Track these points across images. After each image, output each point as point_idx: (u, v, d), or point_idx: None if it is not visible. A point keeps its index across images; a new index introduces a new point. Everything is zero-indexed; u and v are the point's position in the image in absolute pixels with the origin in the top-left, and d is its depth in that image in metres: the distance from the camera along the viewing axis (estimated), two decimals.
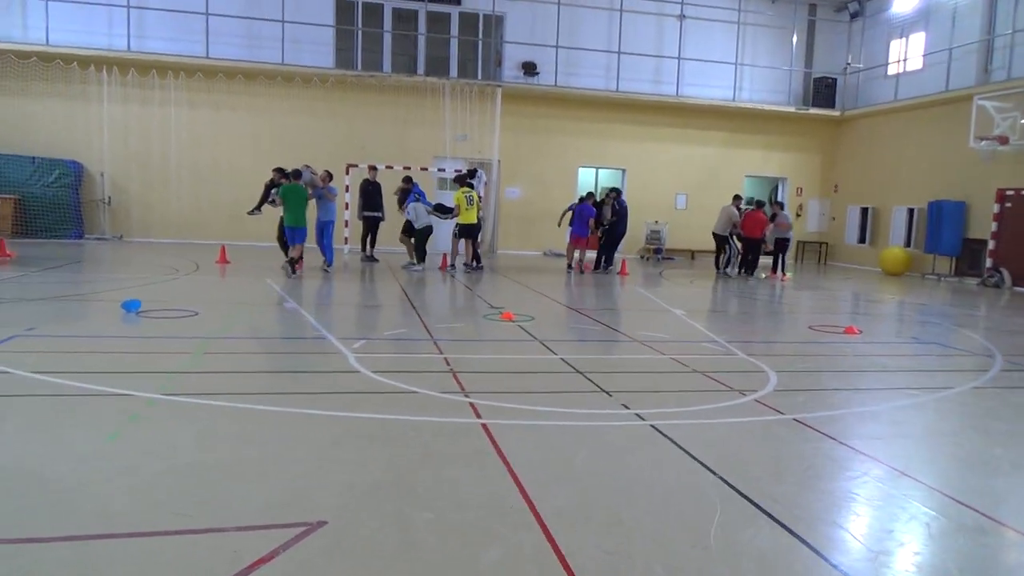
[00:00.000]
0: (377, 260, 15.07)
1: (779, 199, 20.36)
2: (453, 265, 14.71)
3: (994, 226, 16.65)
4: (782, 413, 5.09)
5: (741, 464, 4.07)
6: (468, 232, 14.54)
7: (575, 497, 3.52)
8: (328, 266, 13.38)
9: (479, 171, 17.37)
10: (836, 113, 21.63)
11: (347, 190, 17.00)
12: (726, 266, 16.26)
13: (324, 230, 13.37)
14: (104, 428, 4.21)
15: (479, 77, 19.78)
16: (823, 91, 21.64)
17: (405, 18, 19.70)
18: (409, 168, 17.07)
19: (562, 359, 6.68)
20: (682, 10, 20.50)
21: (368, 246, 15.20)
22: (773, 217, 16.43)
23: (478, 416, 4.72)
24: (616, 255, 16.87)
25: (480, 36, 19.96)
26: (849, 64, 21.51)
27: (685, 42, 20.57)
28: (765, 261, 16.92)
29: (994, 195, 16.61)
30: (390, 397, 5.18)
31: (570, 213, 16.22)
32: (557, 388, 5.73)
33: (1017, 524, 3.43)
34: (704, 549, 3.03)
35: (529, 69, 19.79)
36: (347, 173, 17.04)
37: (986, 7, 17.25)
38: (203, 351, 6.35)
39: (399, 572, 2.77)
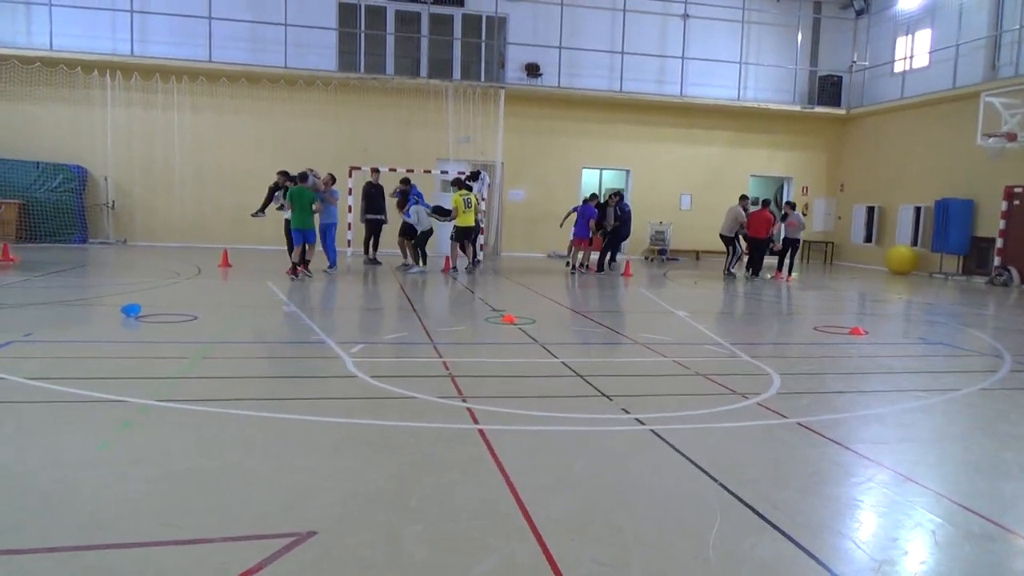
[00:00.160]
0: (380, 263, 15.02)
1: (789, 199, 20.22)
2: (455, 268, 14.66)
3: (1002, 224, 16.49)
4: (785, 417, 5.00)
5: (742, 470, 3.99)
6: (466, 235, 14.51)
7: (571, 505, 3.44)
8: (332, 268, 13.38)
9: (482, 173, 17.31)
10: (842, 111, 21.50)
11: (350, 193, 16.97)
12: (731, 266, 16.11)
13: (326, 232, 13.39)
14: (97, 435, 4.16)
15: (482, 79, 19.74)
16: (828, 89, 21.51)
17: (408, 20, 19.68)
18: (412, 171, 17.04)
19: (563, 362, 6.61)
20: (686, 9, 20.41)
21: (371, 249, 15.17)
22: (784, 217, 16.25)
23: (475, 421, 4.65)
24: (620, 256, 16.78)
25: (483, 38, 19.92)
26: (855, 62, 21.39)
27: (689, 41, 20.48)
28: (771, 261, 16.77)
29: (1002, 192, 16.45)
30: (387, 403, 5.12)
31: (573, 214, 16.18)
32: (557, 392, 5.65)
33: None
34: (704, 561, 2.95)
35: (532, 70, 19.74)
36: (350, 176, 17.02)
37: (993, 2, 17.10)
38: (201, 356, 6.30)
39: None
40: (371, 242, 15.17)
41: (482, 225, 16.95)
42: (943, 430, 5.09)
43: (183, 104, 18.08)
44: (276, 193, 13.40)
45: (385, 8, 19.32)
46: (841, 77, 21.58)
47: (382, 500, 3.42)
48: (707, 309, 11.38)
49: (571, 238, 16.71)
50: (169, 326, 7.64)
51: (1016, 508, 3.66)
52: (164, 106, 17.99)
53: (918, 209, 19.01)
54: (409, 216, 14.13)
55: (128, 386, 5.28)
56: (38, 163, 17.17)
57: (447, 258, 15.03)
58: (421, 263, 14.24)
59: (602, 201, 16.64)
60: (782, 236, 16.25)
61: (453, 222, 14.42)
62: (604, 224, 16.18)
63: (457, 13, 19.69)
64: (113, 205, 17.96)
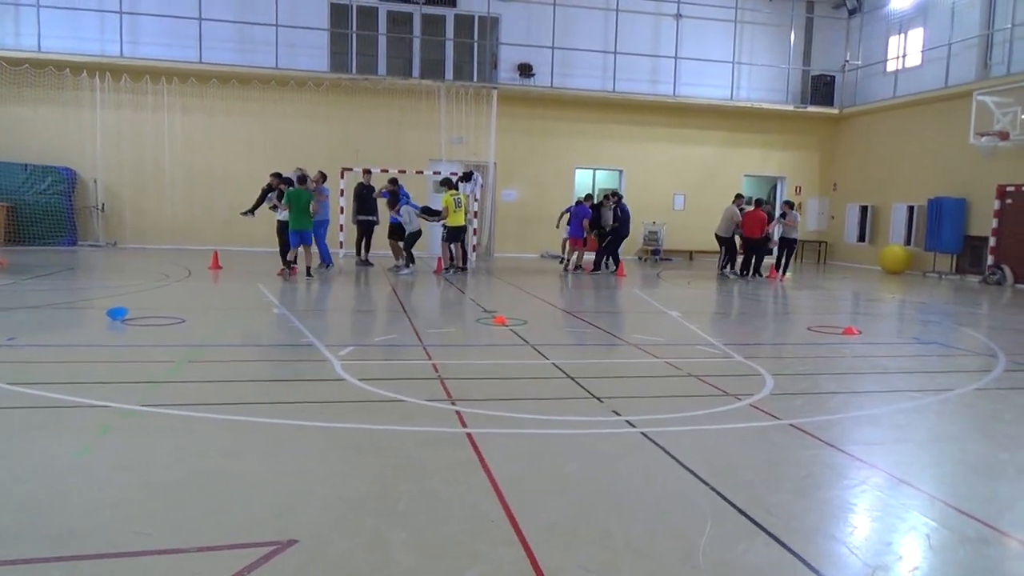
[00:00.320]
0: (372, 264, 14.94)
1: (787, 198, 20.07)
2: (448, 268, 14.60)
3: (995, 223, 16.49)
4: (778, 418, 4.94)
5: (734, 473, 3.93)
6: (456, 235, 14.45)
7: (560, 510, 3.38)
8: (327, 266, 13.36)
9: (475, 174, 17.24)
10: (835, 111, 21.49)
11: (341, 194, 16.87)
12: (724, 267, 16.04)
13: (317, 231, 13.30)
14: (78, 441, 4.07)
15: (475, 79, 19.67)
16: (821, 89, 21.50)
17: (400, 21, 19.60)
18: (404, 172, 16.97)
19: (554, 364, 6.53)
20: (679, 9, 20.37)
21: (363, 250, 15.09)
22: (783, 216, 16.08)
23: (464, 425, 4.58)
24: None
25: (475, 38, 19.85)
26: (847, 61, 21.39)
27: (682, 41, 20.44)
28: (765, 260, 16.69)
29: (995, 191, 16.45)
30: (375, 406, 5.04)
31: (567, 215, 16.15)
32: (547, 394, 5.58)
33: (1022, 534, 3.27)
34: (694, 567, 2.88)
35: (525, 71, 19.68)
36: (342, 177, 16.92)
37: (985, 2, 17.10)
38: (187, 360, 6.21)
39: None
40: (363, 243, 15.10)
41: (474, 226, 16.90)
42: (938, 431, 5.03)
43: (173, 105, 17.95)
44: (269, 194, 13.36)
45: (377, 8, 19.23)
46: (834, 76, 21.58)
47: (367, 506, 3.34)
48: (700, 309, 11.32)
49: (565, 237, 16.69)
50: (156, 329, 7.54)
51: (1012, 511, 3.60)
52: (154, 108, 17.86)
53: (911, 208, 19.00)
54: (400, 216, 14.05)
55: (111, 391, 5.19)
56: (26, 165, 17.03)
57: (439, 259, 14.95)
58: (410, 264, 14.15)
59: (596, 202, 16.59)
60: (779, 235, 16.10)
61: (444, 222, 14.32)
62: (603, 224, 16.14)
63: (449, 13, 19.62)
64: (103, 207, 17.82)
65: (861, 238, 20.98)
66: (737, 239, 16.10)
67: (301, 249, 12.52)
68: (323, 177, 13.48)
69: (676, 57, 20.37)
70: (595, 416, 4.92)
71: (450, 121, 18.86)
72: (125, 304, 8.53)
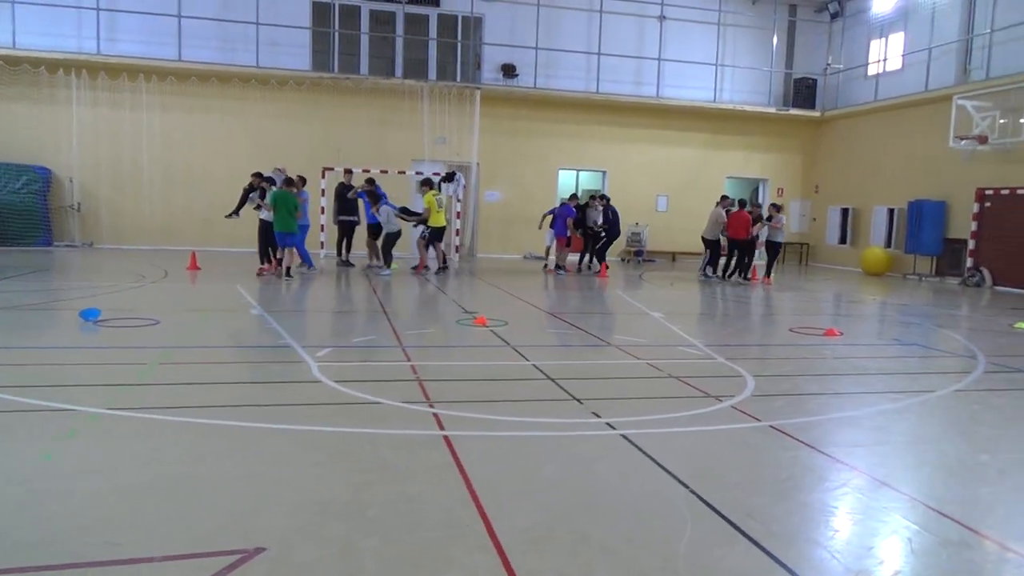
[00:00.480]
0: (353, 265, 14.80)
1: (774, 202, 20.04)
2: (428, 267, 14.50)
3: (974, 225, 16.62)
4: (759, 420, 4.89)
5: (715, 475, 3.87)
6: (439, 235, 14.35)
7: (537, 514, 3.30)
8: (308, 268, 13.25)
9: (458, 174, 17.15)
10: (816, 114, 21.60)
11: (323, 194, 16.71)
12: (705, 269, 15.98)
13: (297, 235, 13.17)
14: (42, 446, 3.94)
15: (458, 79, 19.57)
16: (803, 92, 21.60)
17: (383, 20, 19.45)
18: (386, 171, 16.84)
19: (534, 365, 6.46)
20: (662, 11, 20.39)
21: (344, 251, 14.95)
22: (770, 218, 15.97)
23: (441, 428, 4.49)
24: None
25: (459, 38, 19.75)
26: (829, 64, 21.50)
27: (665, 43, 20.45)
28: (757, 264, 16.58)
29: (974, 194, 16.58)
30: (350, 409, 4.94)
31: (551, 216, 16.09)
32: (526, 396, 5.51)
33: (1003, 536, 3.24)
34: (672, 573, 2.82)
35: (508, 71, 19.60)
36: (323, 177, 16.76)
37: (964, 7, 17.24)
38: (159, 362, 6.07)
39: None
40: (344, 244, 14.96)
41: (456, 227, 16.81)
42: (918, 432, 5.01)
43: (152, 104, 17.70)
44: (251, 195, 13.26)
45: (359, 7, 19.08)
46: (816, 79, 21.69)
47: (338, 511, 3.25)
48: (683, 311, 11.30)
49: (548, 244, 16.68)
50: (129, 331, 7.38)
51: (993, 512, 3.57)
52: (132, 106, 17.59)
53: (892, 211, 19.12)
54: (380, 216, 13.93)
55: (79, 394, 5.06)
56: (0, 164, 16.71)
57: (421, 260, 14.82)
58: (388, 265, 14.01)
59: (583, 202, 16.57)
60: (765, 238, 15.97)
61: (426, 223, 14.17)
62: (591, 226, 16.10)
63: (432, 13, 19.51)
64: (79, 207, 17.52)
65: (842, 240, 21.09)
66: (723, 240, 16.01)
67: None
68: (303, 181, 13.37)
69: (659, 59, 20.39)
70: (575, 418, 4.85)
71: (433, 121, 18.75)
72: (99, 305, 8.35)
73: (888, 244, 19.14)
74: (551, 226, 16.27)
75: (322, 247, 16.82)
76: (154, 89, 17.63)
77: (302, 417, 4.67)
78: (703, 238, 15.89)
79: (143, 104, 17.62)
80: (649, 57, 20.43)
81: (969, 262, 16.71)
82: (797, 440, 4.49)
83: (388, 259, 14.06)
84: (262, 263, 13.01)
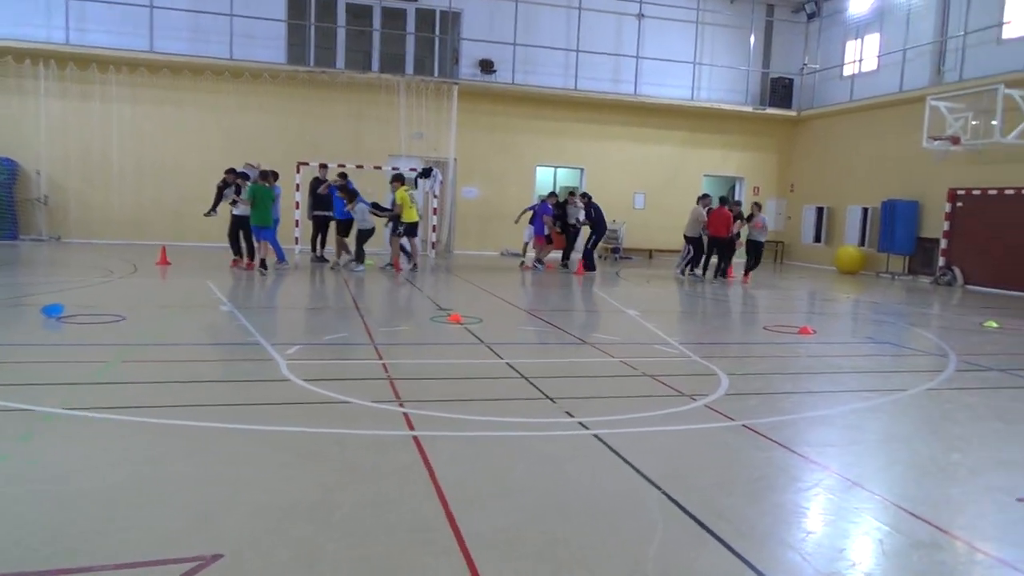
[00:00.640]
0: (327, 260, 14.62)
1: (756, 200, 20.03)
2: (412, 266, 14.37)
3: (946, 225, 16.82)
4: (732, 419, 4.86)
5: (686, 476, 3.82)
6: (414, 231, 14.21)
7: (506, 517, 3.23)
8: (281, 263, 13.08)
9: (434, 170, 17.01)
10: (792, 113, 21.74)
11: (297, 189, 16.50)
12: (683, 267, 15.96)
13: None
14: None
15: (435, 74, 19.42)
16: (780, 91, 21.72)
17: (359, 14, 19.25)
18: (362, 167, 16.67)
19: (507, 363, 6.38)
20: (641, 9, 20.38)
21: (318, 246, 14.78)
22: (750, 217, 15.88)
23: (411, 428, 4.40)
24: (574, 256, 16.62)
25: (437, 33, 19.60)
26: (806, 64, 21.65)
27: (643, 41, 20.45)
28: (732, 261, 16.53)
29: (946, 194, 16.78)
30: (318, 408, 4.83)
31: (529, 212, 16.02)
32: (499, 395, 5.43)
33: (973, 537, 3.22)
34: None
35: (486, 67, 19.48)
36: (298, 171, 16.55)
37: (939, 9, 17.42)
38: (120, 360, 5.91)
39: None
40: (318, 239, 14.78)
41: (433, 223, 16.67)
42: (890, 432, 5.01)
43: (122, 96, 17.34)
44: (226, 191, 13.09)
45: (336, 0, 18.85)
46: (792, 79, 21.83)
47: (301, 515, 3.15)
48: (658, 308, 11.28)
49: (526, 241, 16.64)
50: (93, 327, 7.20)
51: (964, 512, 3.56)
52: (102, 98, 17.23)
53: (865, 210, 19.30)
54: (353, 213, 13.76)
55: (36, 393, 4.90)
56: None
57: (397, 257, 14.66)
58: (360, 261, 13.86)
59: (561, 200, 16.51)
60: (746, 237, 15.86)
61: (399, 219, 13.99)
62: (573, 223, 16.03)
63: (410, 7, 19.32)
64: (46, 200, 17.14)
65: (817, 239, 21.26)
66: (705, 239, 15.89)
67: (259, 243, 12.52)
68: (275, 176, 13.18)
69: (638, 56, 20.39)
70: (547, 417, 4.78)
71: (410, 116, 18.59)
72: (64, 301, 8.15)
73: (862, 243, 19.31)
74: (530, 222, 16.20)
75: (296, 243, 16.61)
76: (125, 81, 17.28)
77: (269, 417, 4.56)
78: (685, 236, 15.86)
79: (113, 96, 17.27)
80: (627, 55, 20.42)
81: (941, 261, 16.91)
82: (770, 440, 4.46)
83: (361, 255, 13.90)
84: (236, 255, 12.91)
